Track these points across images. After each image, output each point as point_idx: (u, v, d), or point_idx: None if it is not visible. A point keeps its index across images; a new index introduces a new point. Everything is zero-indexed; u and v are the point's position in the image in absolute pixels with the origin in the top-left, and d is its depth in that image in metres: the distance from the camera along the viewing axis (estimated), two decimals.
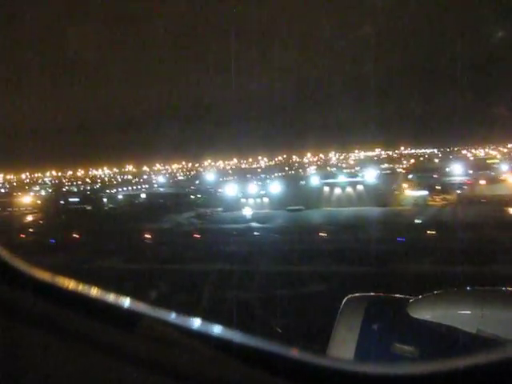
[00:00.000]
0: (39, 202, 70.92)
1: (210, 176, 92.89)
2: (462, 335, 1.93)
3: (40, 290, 1.32)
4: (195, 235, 45.34)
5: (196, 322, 1.30)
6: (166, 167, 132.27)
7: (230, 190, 65.67)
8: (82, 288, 1.35)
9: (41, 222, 58.38)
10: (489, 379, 1.11)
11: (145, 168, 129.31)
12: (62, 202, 72.63)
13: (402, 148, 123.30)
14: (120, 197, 77.23)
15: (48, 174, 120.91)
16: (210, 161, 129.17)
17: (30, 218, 60.85)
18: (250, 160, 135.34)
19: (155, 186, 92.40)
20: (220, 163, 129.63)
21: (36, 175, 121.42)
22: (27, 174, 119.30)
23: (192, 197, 72.38)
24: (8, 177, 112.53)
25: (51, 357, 1.20)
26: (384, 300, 2.35)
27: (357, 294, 2.23)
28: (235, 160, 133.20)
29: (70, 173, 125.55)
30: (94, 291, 1.35)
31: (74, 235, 46.54)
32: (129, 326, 1.23)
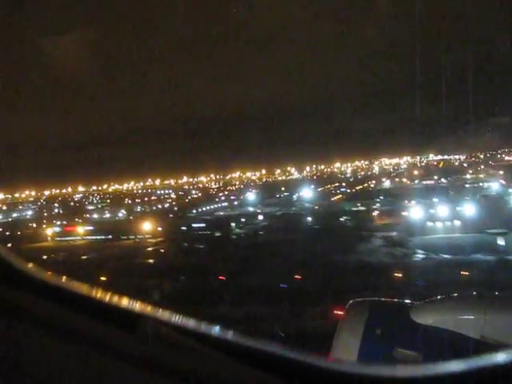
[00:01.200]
0: (160, 228, 58.16)
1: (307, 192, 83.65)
2: (465, 340, 1.94)
3: (42, 291, 1.31)
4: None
5: (197, 324, 1.29)
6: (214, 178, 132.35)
7: (415, 212, 54.30)
8: (84, 289, 1.35)
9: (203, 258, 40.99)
10: (491, 382, 1.10)
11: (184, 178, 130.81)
12: (183, 227, 59.97)
13: None
14: (242, 219, 63.83)
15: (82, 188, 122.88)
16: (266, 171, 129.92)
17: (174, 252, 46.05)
18: (278, 171, 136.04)
19: (241, 201, 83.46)
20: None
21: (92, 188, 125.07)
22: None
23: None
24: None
25: (53, 357, 1.20)
26: (387, 304, 2.36)
27: (360, 299, 2.22)
28: (263, 171, 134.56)
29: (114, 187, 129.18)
30: (96, 292, 1.35)
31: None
32: (130, 327, 1.23)
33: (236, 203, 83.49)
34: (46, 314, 1.26)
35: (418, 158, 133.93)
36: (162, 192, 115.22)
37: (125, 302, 1.32)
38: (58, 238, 59.39)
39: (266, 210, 70.26)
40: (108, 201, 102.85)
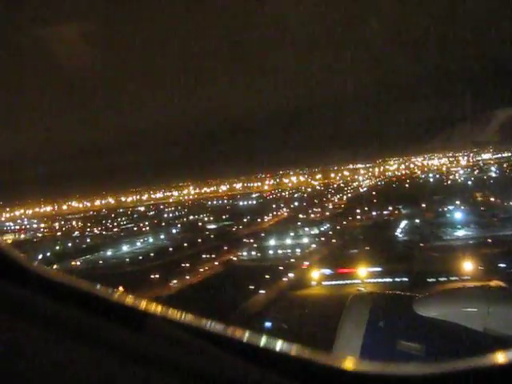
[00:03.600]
0: None
1: None
2: (469, 333, 1.94)
3: (47, 289, 1.31)
4: None
5: (204, 322, 1.28)
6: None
7: None
8: (89, 287, 1.34)
9: None
10: (498, 381, 1.08)
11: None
12: None
13: None
14: None
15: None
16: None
17: None
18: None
19: None
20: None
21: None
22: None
23: None
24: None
25: (58, 356, 1.18)
26: (389, 297, 2.38)
27: (363, 292, 2.22)
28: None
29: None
30: (102, 290, 1.34)
31: None
32: (137, 325, 1.22)
33: None
34: (52, 312, 1.24)
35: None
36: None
37: (133, 300, 1.32)
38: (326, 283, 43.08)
39: None
40: None
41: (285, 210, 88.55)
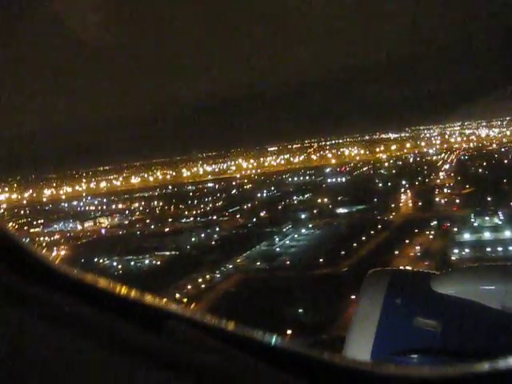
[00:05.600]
0: None
1: None
2: (485, 311, 1.95)
3: (64, 286, 1.27)
4: None
5: (223, 324, 1.25)
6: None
7: None
8: (107, 285, 1.31)
9: None
10: None
11: None
12: None
13: None
14: None
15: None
16: None
17: None
18: None
19: None
20: None
21: None
22: None
23: None
24: None
25: (74, 356, 1.17)
26: (407, 274, 2.37)
27: (380, 268, 2.25)
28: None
29: None
30: (121, 289, 1.30)
31: None
32: (155, 326, 1.21)
33: None
34: (69, 311, 1.22)
35: None
36: None
37: (151, 300, 1.28)
38: None
39: None
40: None
41: (399, 187, 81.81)
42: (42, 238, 72.54)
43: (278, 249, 58.71)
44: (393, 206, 72.94)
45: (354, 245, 55.01)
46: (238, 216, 73.92)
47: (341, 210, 72.36)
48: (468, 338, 1.72)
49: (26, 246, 1.34)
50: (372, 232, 59.28)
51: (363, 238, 57.04)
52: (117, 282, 1.28)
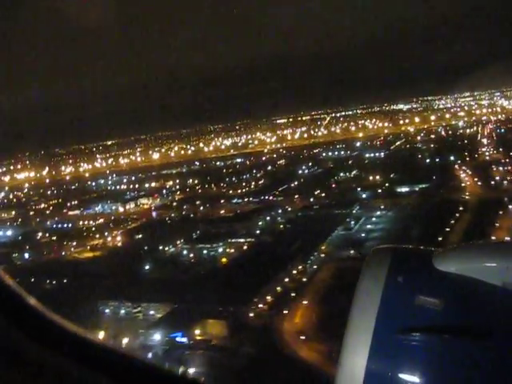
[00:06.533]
0: None
1: None
2: (487, 288, 1.96)
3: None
4: None
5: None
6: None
7: None
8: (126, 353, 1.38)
9: None
10: None
11: None
12: None
13: None
14: None
15: None
16: None
17: None
18: None
19: None
20: None
21: None
22: None
23: None
24: None
25: None
26: (409, 251, 2.32)
27: (382, 246, 2.20)
28: None
29: None
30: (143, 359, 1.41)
31: None
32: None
33: None
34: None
35: None
36: None
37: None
38: None
39: None
40: None
41: (450, 163, 78.44)
42: (85, 222, 67.58)
43: (360, 234, 55.01)
44: (456, 184, 69.65)
45: (447, 229, 51.63)
46: (291, 195, 69.74)
47: (402, 189, 68.81)
48: (469, 316, 1.72)
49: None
50: (456, 214, 55.85)
51: (451, 221, 53.62)
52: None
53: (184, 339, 36.18)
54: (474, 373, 1.54)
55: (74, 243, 58.44)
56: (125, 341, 36.64)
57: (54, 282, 47.06)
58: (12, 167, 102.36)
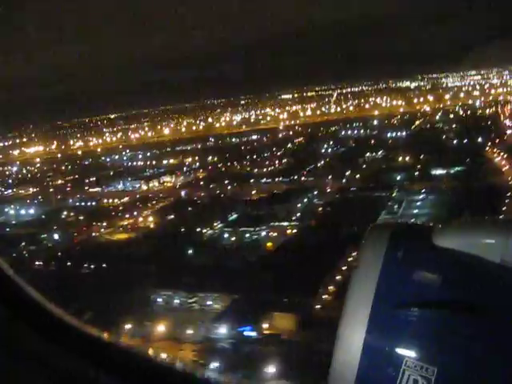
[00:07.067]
0: None
1: None
2: (486, 264, 1.95)
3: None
4: None
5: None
6: None
7: None
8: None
9: None
10: None
11: None
12: None
13: None
14: None
15: None
16: None
17: None
18: None
19: None
20: None
21: None
22: None
23: None
24: None
25: None
26: (408, 227, 2.33)
27: (381, 222, 1.97)
28: None
29: None
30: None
31: None
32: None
33: None
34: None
35: None
36: None
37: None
38: None
39: None
40: None
41: (479, 145, 76.36)
42: (109, 201, 64.60)
43: (405, 219, 52.80)
44: (493, 167, 67.69)
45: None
46: (322, 176, 67.31)
47: (437, 172, 66.66)
48: (467, 292, 1.73)
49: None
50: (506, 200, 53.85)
51: (503, 208, 51.60)
52: None
53: (253, 333, 33.93)
54: (472, 348, 1.53)
55: (104, 223, 55.62)
56: (188, 332, 34.43)
57: (93, 267, 44.38)
58: (18, 140, 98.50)
